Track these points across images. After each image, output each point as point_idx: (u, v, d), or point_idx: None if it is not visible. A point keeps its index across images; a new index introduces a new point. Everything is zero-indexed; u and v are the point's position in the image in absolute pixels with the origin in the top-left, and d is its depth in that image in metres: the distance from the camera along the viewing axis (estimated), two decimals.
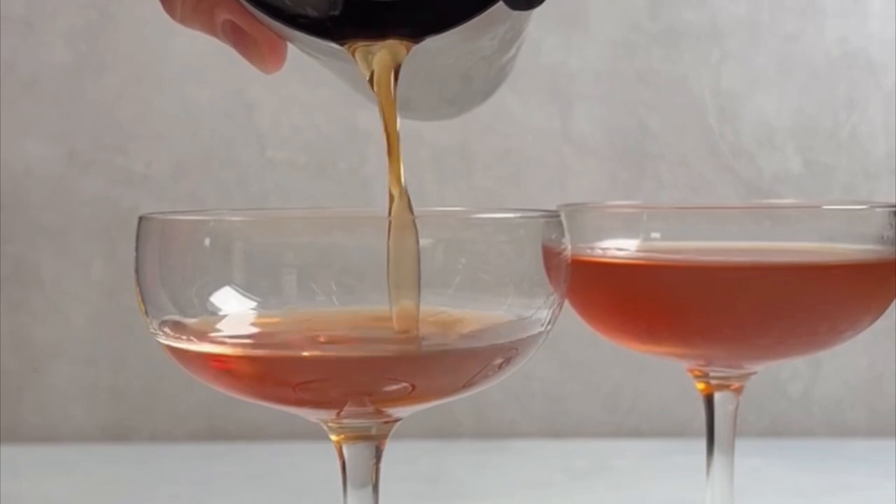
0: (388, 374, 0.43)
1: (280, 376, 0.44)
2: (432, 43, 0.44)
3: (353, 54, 0.45)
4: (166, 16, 0.45)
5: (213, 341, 0.44)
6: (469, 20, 0.42)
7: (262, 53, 0.46)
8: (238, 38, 0.45)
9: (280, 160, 1.04)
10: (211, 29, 0.46)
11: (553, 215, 0.46)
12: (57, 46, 1.03)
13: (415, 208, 0.47)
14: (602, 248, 0.59)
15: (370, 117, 0.47)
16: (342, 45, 0.44)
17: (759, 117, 1.06)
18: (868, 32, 1.05)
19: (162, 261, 0.44)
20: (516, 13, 0.42)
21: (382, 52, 0.44)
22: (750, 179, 1.05)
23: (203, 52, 1.03)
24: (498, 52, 0.52)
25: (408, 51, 0.44)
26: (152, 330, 0.45)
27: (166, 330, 0.45)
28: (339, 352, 0.44)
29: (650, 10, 1.05)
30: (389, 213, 0.45)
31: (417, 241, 0.43)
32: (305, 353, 0.43)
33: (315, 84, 1.03)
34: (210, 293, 0.43)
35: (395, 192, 0.46)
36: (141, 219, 0.45)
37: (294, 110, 1.04)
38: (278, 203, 1.04)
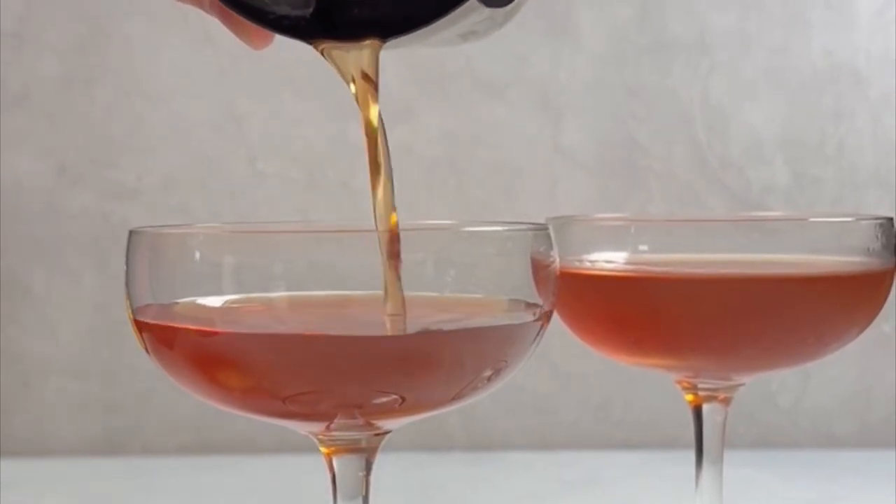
0: (375, 355, 0.43)
1: (263, 355, 0.43)
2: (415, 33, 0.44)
3: (325, 53, 0.45)
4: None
5: (196, 321, 0.43)
6: (443, 17, 0.42)
7: (248, 30, 0.46)
8: (225, 15, 0.46)
9: (270, 173, 1.04)
10: (199, 4, 0.47)
11: (541, 228, 0.46)
12: (48, 60, 1.03)
13: (405, 221, 0.47)
14: (590, 261, 0.59)
15: (361, 130, 0.47)
16: (313, 45, 0.45)
17: (748, 129, 1.06)
18: (855, 45, 1.06)
19: (152, 274, 0.45)
20: None
21: (354, 59, 0.45)
22: (738, 191, 1.06)
23: (193, 65, 1.03)
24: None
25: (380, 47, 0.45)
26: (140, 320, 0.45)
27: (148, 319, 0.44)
28: (327, 330, 0.44)
29: (639, 23, 1.06)
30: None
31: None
32: (290, 332, 0.43)
33: (305, 96, 1.03)
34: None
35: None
36: (131, 232, 0.45)
37: (284, 123, 1.04)
38: (269, 216, 1.04)
